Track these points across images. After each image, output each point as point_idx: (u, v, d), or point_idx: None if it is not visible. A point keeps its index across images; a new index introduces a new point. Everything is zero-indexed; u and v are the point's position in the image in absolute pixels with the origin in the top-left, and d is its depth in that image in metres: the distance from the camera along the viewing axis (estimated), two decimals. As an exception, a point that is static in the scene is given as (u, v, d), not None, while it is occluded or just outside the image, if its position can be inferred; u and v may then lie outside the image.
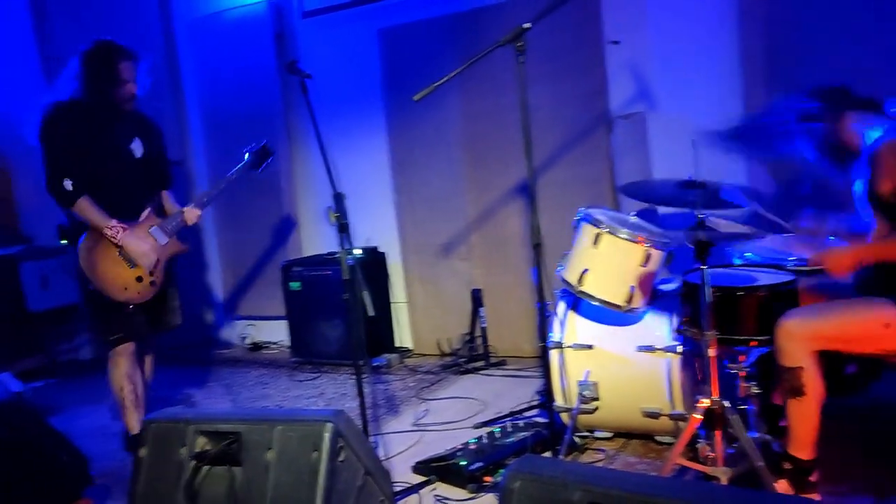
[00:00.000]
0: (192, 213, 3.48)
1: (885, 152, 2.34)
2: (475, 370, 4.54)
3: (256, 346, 5.73)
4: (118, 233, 3.23)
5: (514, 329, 4.69)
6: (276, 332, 5.65)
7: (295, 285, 5.04)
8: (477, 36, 4.55)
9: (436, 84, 2.72)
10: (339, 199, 2.73)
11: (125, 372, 3.33)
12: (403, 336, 5.15)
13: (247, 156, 3.60)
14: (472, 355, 4.68)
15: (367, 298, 2.58)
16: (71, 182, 3.18)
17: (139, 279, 3.32)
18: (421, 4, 4.80)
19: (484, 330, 4.65)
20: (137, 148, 3.41)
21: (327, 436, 2.03)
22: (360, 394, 2.78)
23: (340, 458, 2.06)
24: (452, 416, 3.79)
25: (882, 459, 2.79)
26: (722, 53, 4.02)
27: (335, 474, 2.03)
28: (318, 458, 2.01)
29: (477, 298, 4.65)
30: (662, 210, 4.10)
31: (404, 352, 5.06)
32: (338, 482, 2.05)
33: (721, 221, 2.56)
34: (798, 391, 2.40)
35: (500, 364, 4.58)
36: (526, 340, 4.66)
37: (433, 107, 4.52)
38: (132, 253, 3.28)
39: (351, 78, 5.10)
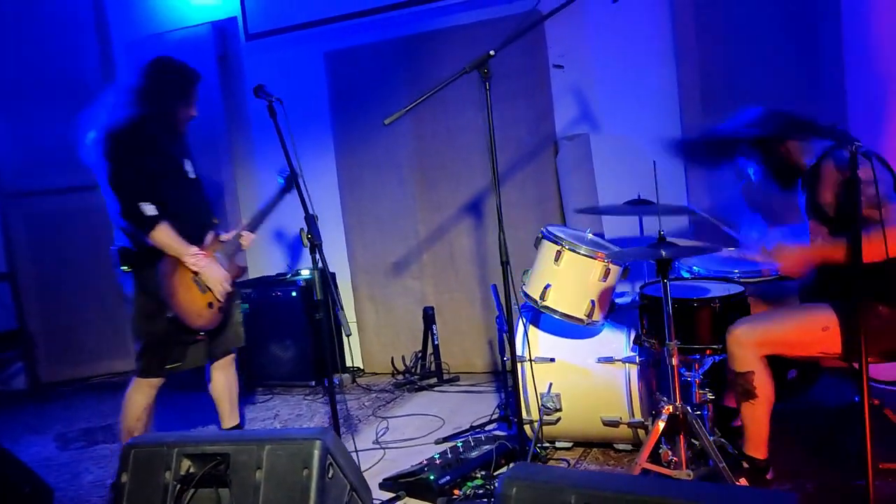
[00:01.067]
0: (248, 238, 3.41)
1: (825, 169, 2.55)
2: (429, 387, 4.61)
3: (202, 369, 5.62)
4: (200, 261, 3.13)
5: (466, 346, 4.79)
6: (223, 356, 5.57)
7: (243, 307, 4.99)
8: (424, 59, 4.67)
9: (407, 108, 2.81)
10: (311, 220, 2.77)
11: (148, 403, 3.26)
12: (354, 356, 5.17)
13: (280, 180, 3.44)
14: (425, 373, 4.74)
15: (343, 317, 2.62)
16: (153, 206, 3.02)
17: (210, 305, 3.23)
18: (367, 28, 4.88)
19: (437, 347, 4.73)
20: (190, 168, 3.30)
21: (317, 453, 2.06)
22: (334, 412, 2.81)
23: (329, 475, 2.10)
24: (412, 432, 3.84)
25: (822, 457, 2.98)
26: (660, 77, 4.26)
27: (325, 491, 2.07)
28: (308, 475, 2.04)
29: (429, 316, 4.72)
30: (609, 229, 4.30)
31: (355, 371, 5.08)
32: (327, 499, 2.08)
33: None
34: (750, 394, 2.58)
35: (453, 381, 4.66)
36: (478, 356, 4.76)
37: (383, 130, 4.58)
38: (209, 280, 3.18)
39: (297, 100, 5.10)
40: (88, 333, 5.70)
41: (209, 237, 3.28)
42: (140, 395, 3.25)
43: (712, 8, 4.04)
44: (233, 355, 3.55)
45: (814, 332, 2.57)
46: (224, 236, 3.38)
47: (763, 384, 2.59)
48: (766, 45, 3.90)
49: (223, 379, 3.52)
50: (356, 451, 3.09)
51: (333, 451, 2.13)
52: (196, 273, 3.16)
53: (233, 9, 5.24)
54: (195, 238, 3.21)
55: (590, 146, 4.44)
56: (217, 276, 3.21)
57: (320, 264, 2.75)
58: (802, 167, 2.67)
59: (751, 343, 2.59)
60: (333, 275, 5.12)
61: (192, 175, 3.29)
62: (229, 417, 3.56)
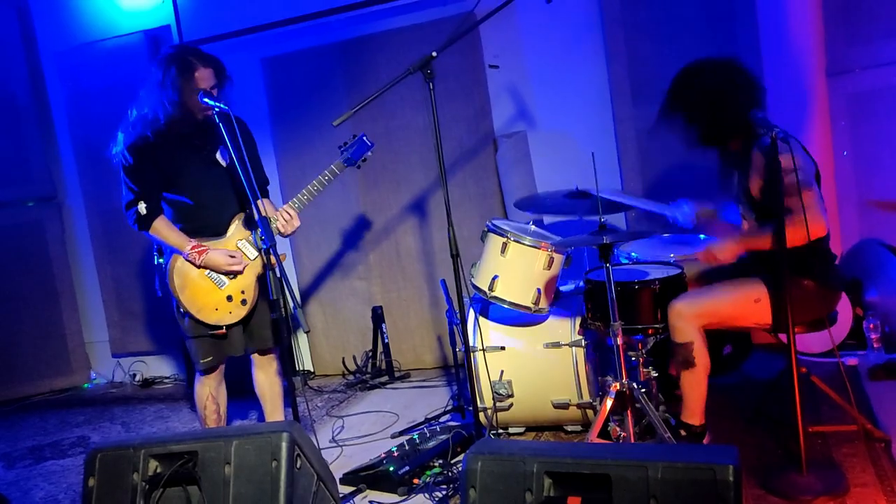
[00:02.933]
0: (286, 223, 3.21)
1: (754, 157, 2.72)
2: (381, 385, 4.67)
3: (147, 383, 5.56)
4: (197, 257, 3.07)
5: (415, 342, 4.87)
6: (170, 367, 5.54)
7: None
8: (361, 63, 4.75)
9: (355, 109, 2.88)
10: (265, 222, 2.81)
11: (210, 392, 3.25)
12: (303, 359, 5.19)
13: (341, 152, 3.38)
14: (376, 371, 4.81)
15: (300, 315, 2.67)
16: (146, 206, 3.07)
17: (229, 298, 3.15)
18: (304, 33, 4.92)
19: (386, 346, 4.80)
20: (222, 156, 3.22)
21: (284, 445, 2.12)
22: (294, 408, 2.86)
23: (297, 466, 2.16)
24: (368, 429, 3.90)
25: (756, 424, 3.17)
26: (591, 74, 4.44)
27: (294, 482, 2.13)
28: (277, 467, 2.10)
29: (378, 315, 4.79)
30: (548, 219, 4.45)
31: (306, 374, 5.10)
32: (296, 489, 2.15)
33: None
34: (689, 363, 2.75)
35: (404, 377, 4.74)
36: (428, 352, 4.85)
37: (324, 132, 4.61)
38: (218, 269, 3.10)
39: (235, 106, 5.09)
40: (26, 352, 5.56)
41: (233, 227, 3.22)
42: (200, 387, 3.29)
43: (638, 6, 4.23)
44: (271, 355, 3.41)
45: (747, 303, 2.76)
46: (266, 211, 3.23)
47: (701, 354, 2.77)
48: (689, 38, 4.11)
49: (263, 378, 3.43)
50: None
51: (300, 442, 2.19)
52: (200, 266, 3.12)
53: (166, 17, 5.20)
54: (218, 228, 3.18)
55: (527, 142, 4.59)
56: (218, 261, 3.11)
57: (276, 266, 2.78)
58: (740, 154, 2.80)
59: (690, 315, 2.76)
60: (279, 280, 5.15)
61: (224, 163, 3.21)
62: (271, 417, 3.49)
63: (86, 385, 5.76)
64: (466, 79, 4.61)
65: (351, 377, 4.89)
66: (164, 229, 3.12)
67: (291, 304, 2.73)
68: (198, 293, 3.13)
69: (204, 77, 3.07)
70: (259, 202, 3.26)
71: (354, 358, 4.95)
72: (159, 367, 5.64)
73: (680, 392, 2.87)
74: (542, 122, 4.57)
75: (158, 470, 2.17)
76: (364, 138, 3.41)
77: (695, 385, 2.81)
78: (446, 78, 4.54)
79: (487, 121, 4.63)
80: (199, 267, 3.12)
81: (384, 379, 4.74)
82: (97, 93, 5.39)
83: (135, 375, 5.64)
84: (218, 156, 3.22)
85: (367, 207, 4.90)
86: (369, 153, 3.43)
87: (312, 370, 5.18)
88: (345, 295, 5.01)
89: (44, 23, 5.61)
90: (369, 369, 4.85)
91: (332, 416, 4.22)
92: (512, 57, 4.60)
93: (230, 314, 3.17)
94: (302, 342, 5.17)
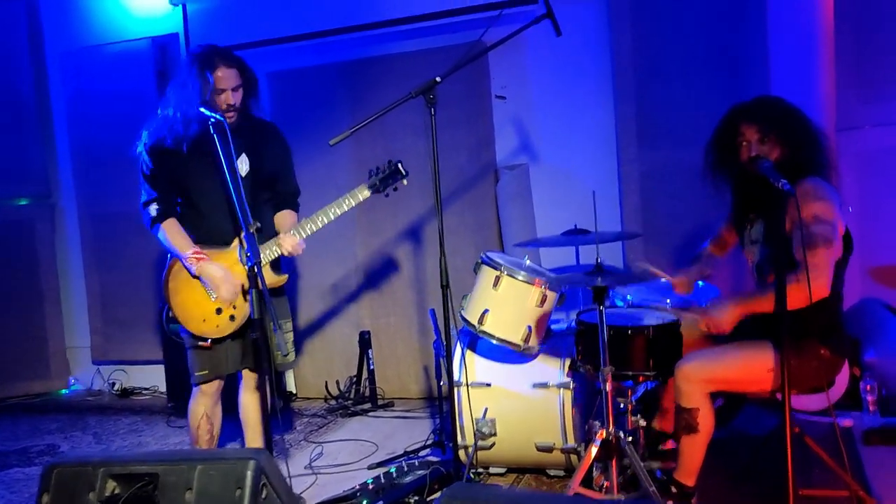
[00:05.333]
0: (289, 241, 3.09)
1: (803, 190, 2.50)
2: (363, 412, 4.56)
3: (126, 393, 5.45)
4: (194, 263, 2.96)
5: (400, 371, 4.77)
6: (150, 378, 5.42)
7: (175, 327, 4.86)
8: (366, 84, 4.72)
9: (353, 129, 2.83)
10: (251, 238, 2.71)
11: (205, 411, 3.12)
12: (287, 380, 5.08)
13: (369, 178, 3.23)
14: (360, 398, 4.70)
15: (280, 337, 2.57)
16: (157, 207, 3.03)
17: (218, 311, 3.03)
18: (311, 51, 4.89)
19: (372, 372, 4.69)
20: (243, 165, 3.10)
21: (250, 473, 2.01)
22: (267, 433, 2.75)
23: (262, 496, 2.06)
24: (345, 458, 3.79)
25: (746, 484, 3.07)
26: (598, 112, 4.39)
27: (257, 512, 2.02)
28: (241, 495, 1.99)
29: (365, 341, 4.69)
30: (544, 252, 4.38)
31: (288, 396, 4.99)
32: (260, 520, 2.04)
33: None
34: (692, 429, 2.63)
35: (387, 406, 4.63)
36: (413, 382, 4.74)
37: (323, 151, 4.55)
38: (209, 282, 2.99)
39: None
40: (4, 353, 5.45)
41: (236, 239, 3.08)
42: (195, 404, 3.15)
43: (650, 49, 4.19)
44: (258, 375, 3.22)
45: (759, 372, 2.61)
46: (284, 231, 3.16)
47: (706, 420, 2.64)
48: (699, 85, 4.07)
49: (249, 401, 3.26)
50: (288, 476, 3.02)
51: (267, 471, 2.08)
52: (196, 277, 3.01)
53: (175, 25, 5.18)
54: (225, 238, 3.07)
55: (529, 176, 4.53)
56: (216, 279, 2.99)
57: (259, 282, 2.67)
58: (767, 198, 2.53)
59: (699, 380, 2.63)
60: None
61: (242, 172, 3.08)
62: (250, 442, 3.30)
63: (63, 391, 5.64)
64: (471, 107, 4.56)
65: (333, 402, 4.78)
66: (171, 231, 3.04)
67: (273, 325, 2.62)
68: (188, 301, 3.03)
69: (226, 77, 2.94)
70: (286, 213, 3.33)
71: (338, 382, 4.84)
72: (139, 378, 5.53)
73: (667, 447, 2.77)
74: (546, 156, 4.52)
75: (116, 491, 2.06)
76: (399, 166, 3.21)
77: (694, 449, 2.68)
78: (451, 105, 4.49)
79: (490, 151, 4.57)
80: (194, 276, 3.01)
81: (367, 406, 4.63)
82: (99, 95, 5.35)
83: (114, 384, 5.53)
84: (238, 163, 3.06)
85: (362, 230, 4.82)
86: (403, 181, 3.25)
87: (294, 392, 5.06)
88: (333, 318, 4.91)
89: (52, 22, 5.60)
90: (352, 395, 4.74)
91: (311, 441, 4.10)
92: (519, 88, 4.55)
93: (217, 328, 3.05)
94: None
